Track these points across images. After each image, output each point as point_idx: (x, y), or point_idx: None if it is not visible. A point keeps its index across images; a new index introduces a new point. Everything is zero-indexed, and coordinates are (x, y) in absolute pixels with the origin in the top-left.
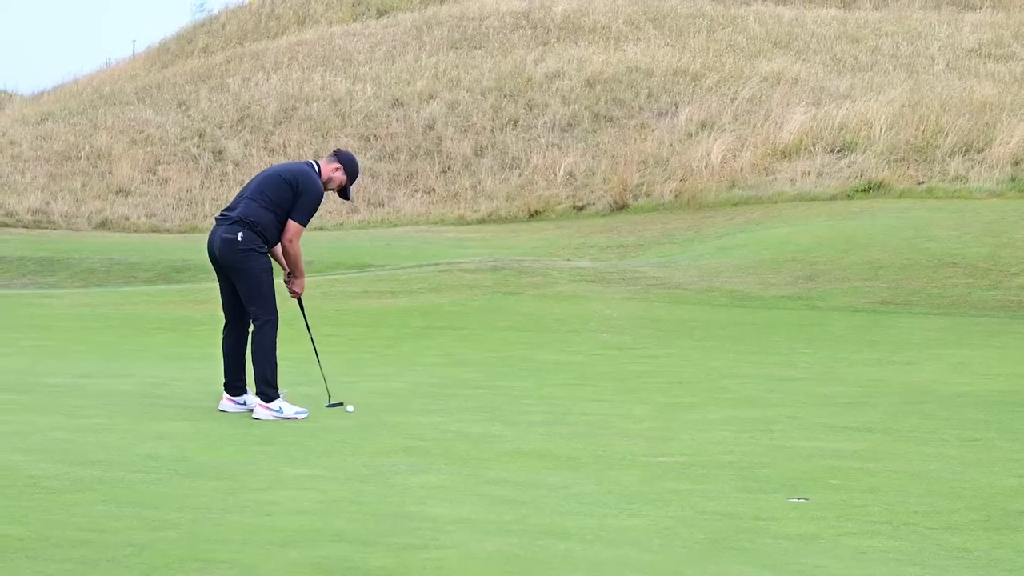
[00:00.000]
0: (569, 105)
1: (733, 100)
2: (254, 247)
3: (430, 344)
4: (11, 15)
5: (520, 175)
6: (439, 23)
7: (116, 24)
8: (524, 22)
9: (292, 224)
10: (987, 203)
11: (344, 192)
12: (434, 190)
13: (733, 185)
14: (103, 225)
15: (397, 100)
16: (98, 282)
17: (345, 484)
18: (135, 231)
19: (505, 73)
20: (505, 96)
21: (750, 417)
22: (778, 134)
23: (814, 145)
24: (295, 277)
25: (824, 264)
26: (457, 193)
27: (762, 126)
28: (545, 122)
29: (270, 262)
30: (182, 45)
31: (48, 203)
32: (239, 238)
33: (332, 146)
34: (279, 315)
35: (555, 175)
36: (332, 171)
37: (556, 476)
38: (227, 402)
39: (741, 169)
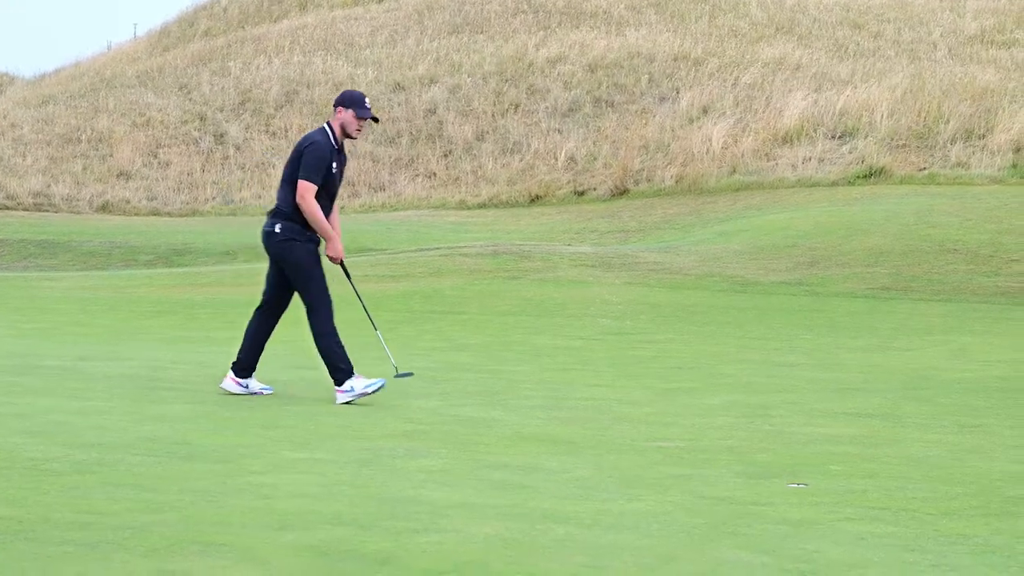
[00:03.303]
0: (570, 90)
1: (734, 85)
2: (294, 236)
3: (430, 328)
4: None
5: (521, 160)
6: (441, 7)
7: (118, 7)
8: (526, 7)
9: (300, 183)
10: (988, 189)
11: (368, 115)
12: (435, 174)
13: (734, 171)
14: (104, 208)
15: (398, 84)
16: (98, 265)
17: (344, 468)
18: (136, 214)
19: (506, 58)
20: (506, 81)
21: (749, 402)
22: (779, 120)
23: (815, 131)
24: (326, 240)
25: (824, 250)
26: (458, 177)
27: (763, 112)
28: (546, 107)
29: (315, 247)
30: (184, 28)
31: (49, 186)
32: (277, 230)
33: None
34: (331, 299)
35: (556, 160)
36: (339, 118)
37: (555, 460)
38: (230, 381)
39: (742, 155)
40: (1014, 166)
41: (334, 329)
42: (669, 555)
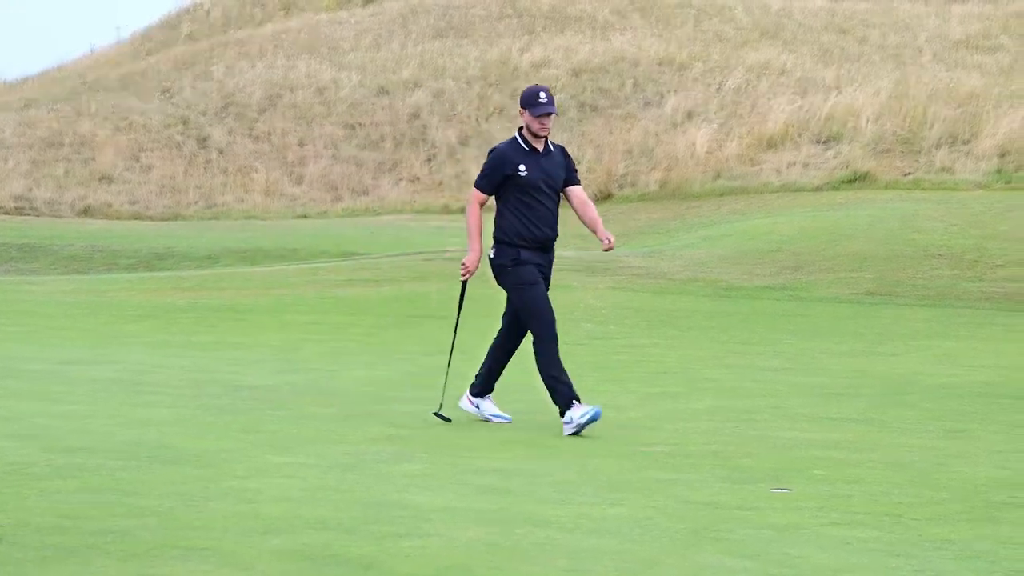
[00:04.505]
0: (555, 94)
1: (719, 90)
2: (504, 262)
3: (414, 332)
4: None
5: None
6: (425, 11)
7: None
8: (510, 11)
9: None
10: (973, 195)
11: (542, 111)
12: (419, 179)
13: (718, 175)
14: (86, 212)
15: (382, 88)
16: (80, 269)
17: (327, 472)
18: (118, 218)
19: (491, 62)
20: (491, 85)
21: (734, 407)
22: (764, 124)
23: (800, 136)
24: (469, 249)
25: (809, 255)
26: (442, 182)
27: (748, 116)
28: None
29: (530, 272)
30: (166, 32)
31: (31, 190)
32: (492, 256)
33: (317, 134)
34: (555, 331)
35: None
36: (522, 121)
37: (538, 465)
38: (464, 400)
39: (727, 159)
40: (999, 171)
41: (554, 361)
42: (651, 560)
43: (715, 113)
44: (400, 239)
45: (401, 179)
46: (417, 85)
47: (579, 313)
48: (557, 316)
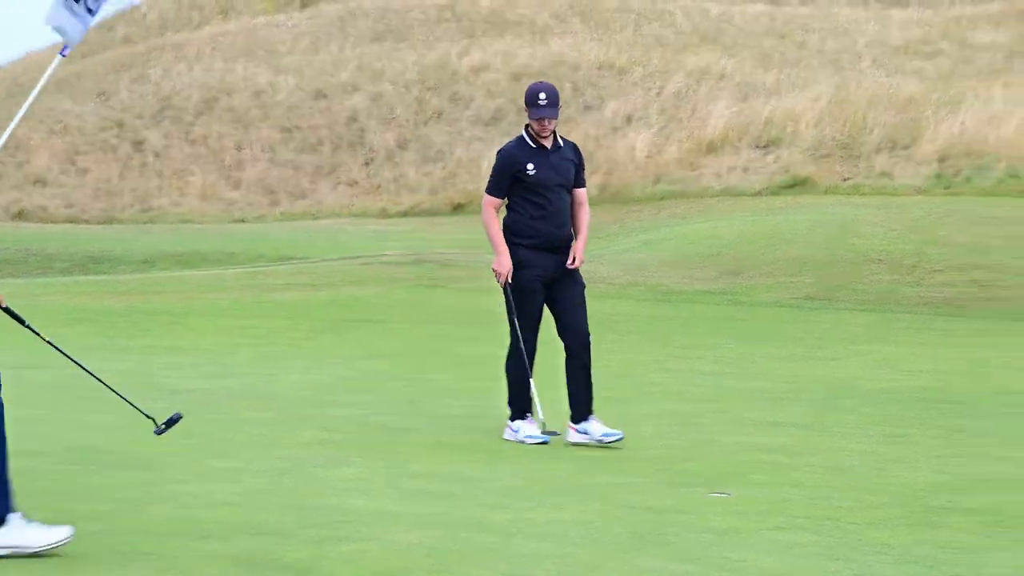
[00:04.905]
0: (494, 98)
1: (659, 95)
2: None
3: (351, 337)
4: None
5: (444, 168)
6: (363, 15)
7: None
8: (449, 15)
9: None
10: (912, 200)
11: (540, 115)
12: (357, 183)
13: (658, 180)
14: (20, 215)
15: (320, 92)
16: (13, 273)
17: (265, 477)
18: (52, 222)
19: (429, 66)
20: (429, 89)
21: (675, 411)
22: (704, 129)
23: (740, 140)
24: (495, 253)
25: (749, 259)
26: (380, 186)
27: (688, 121)
28: (469, 115)
29: (527, 278)
30: (102, 35)
31: None
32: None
33: (254, 138)
34: (521, 342)
35: (479, 169)
36: (527, 120)
37: (478, 469)
38: (569, 429)
39: (667, 164)
40: (938, 176)
41: (516, 369)
42: (593, 564)
43: (655, 118)
44: (338, 243)
45: (339, 183)
46: (355, 89)
47: None
48: (497, 321)
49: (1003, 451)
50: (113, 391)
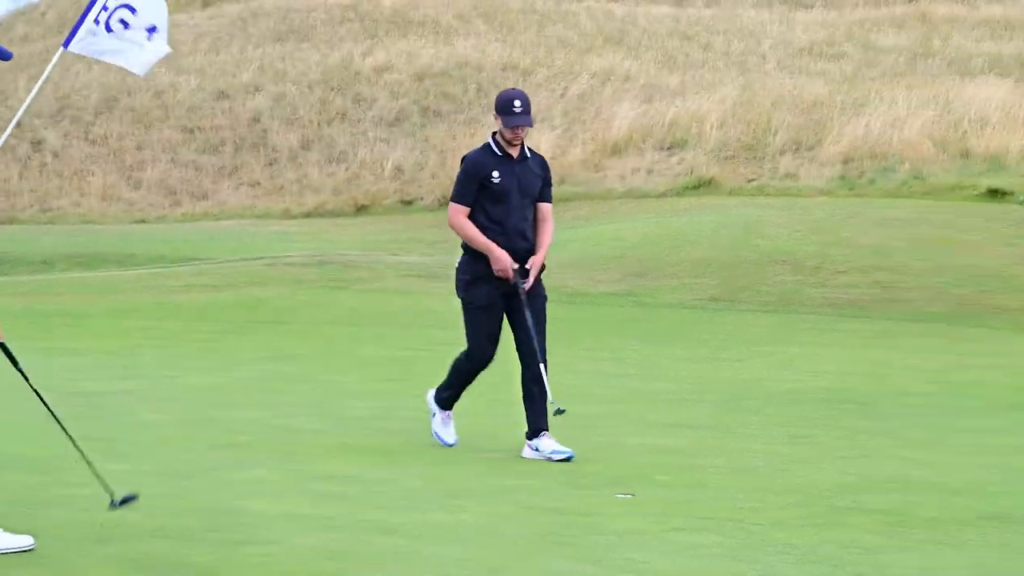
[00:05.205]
0: (398, 99)
1: (563, 96)
2: (463, 276)
3: (254, 338)
4: None
5: (347, 169)
6: (266, 14)
7: None
8: (352, 15)
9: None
10: (816, 201)
11: (515, 123)
12: (259, 183)
13: (563, 181)
14: None
15: (222, 92)
16: None
17: (167, 479)
18: None
19: (332, 66)
20: (332, 89)
21: (579, 413)
22: (608, 131)
23: (644, 142)
24: (488, 254)
25: (653, 261)
26: (283, 186)
27: (592, 122)
28: (373, 116)
29: (484, 294)
30: (0, 33)
31: None
32: (457, 264)
33: (155, 138)
34: (483, 362)
35: (383, 169)
36: (497, 125)
37: (382, 471)
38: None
39: (571, 165)
40: (842, 178)
41: (460, 368)
42: (496, 566)
43: (559, 119)
44: (240, 244)
45: (241, 184)
46: (257, 89)
47: (422, 319)
48: (401, 323)
49: (905, 452)
50: (80, 453)
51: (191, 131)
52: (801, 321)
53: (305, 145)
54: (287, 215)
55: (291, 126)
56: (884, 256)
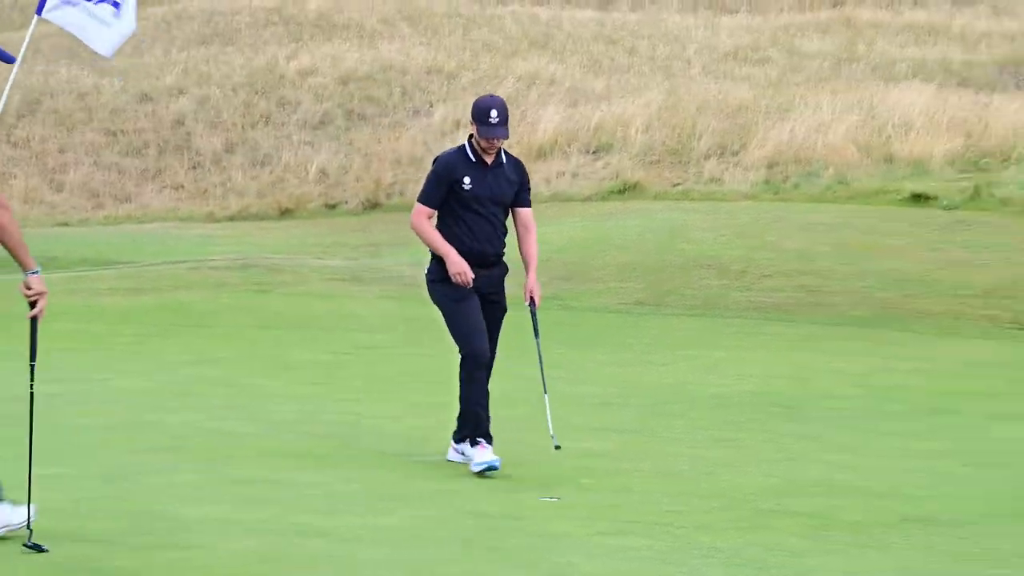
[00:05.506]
0: (322, 102)
1: None
2: (434, 277)
3: (177, 342)
4: None
5: (271, 172)
6: (189, 17)
7: None
8: (277, 18)
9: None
10: (741, 205)
11: (490, 134)
12: (183, 186)
13: None
14: None
15: (145, 95)
16: None
17: (90, 483)
18: None
19: (257, 69)
20: (257, 92)
21: (504, 416)
22: (533, 134)
23: (569, 146)
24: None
25: (578, 265)
26: (206, 190)
27: (518, 126)
28: (297, 119)
29: (457, 289)
30: None
31: None
32: (426, 271)
33: (78, 141)
34: (484, 353)
35: (307, 173)
36: (471, 132)
37: (307, 475)
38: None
39: None
40: (767, 182)
41: (468, 384)
42: (424, 570)
43: None
44: (164, 247)
45: (165, 187)
46: (181, 92)
47: (347, 322)
48: (325, 326)
49: (830, 455)
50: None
51: (114, 134)
52: (726, 325)
53: (229, 148)
54: (211, 218)
55: (215, 129)
56: (808, 260)
